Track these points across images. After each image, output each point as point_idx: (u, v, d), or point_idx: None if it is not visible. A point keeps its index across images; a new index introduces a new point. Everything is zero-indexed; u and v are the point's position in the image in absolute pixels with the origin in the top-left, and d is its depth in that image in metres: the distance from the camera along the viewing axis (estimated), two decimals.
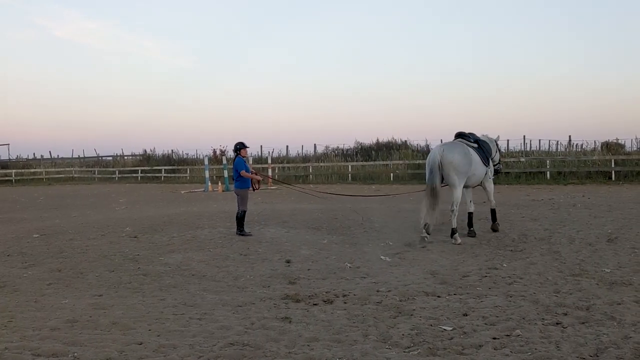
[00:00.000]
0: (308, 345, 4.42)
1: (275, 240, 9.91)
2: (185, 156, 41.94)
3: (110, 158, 47.28)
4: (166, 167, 38.83)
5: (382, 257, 8.18)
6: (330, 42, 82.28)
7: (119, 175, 39.95)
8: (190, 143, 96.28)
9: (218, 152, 35.86)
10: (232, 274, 7.32)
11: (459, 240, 9.11)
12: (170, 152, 42.69)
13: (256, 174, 11.43)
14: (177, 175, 37.52)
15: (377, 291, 6.11)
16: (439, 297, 5.83)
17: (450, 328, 4.74)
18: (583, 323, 4.77)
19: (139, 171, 39.29)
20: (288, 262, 7.98)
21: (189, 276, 7.27)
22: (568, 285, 6.15)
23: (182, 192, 25.80)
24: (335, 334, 4.70)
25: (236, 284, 6.76)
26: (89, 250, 9.42)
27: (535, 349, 4.17)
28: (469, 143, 9.96)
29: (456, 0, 78.11)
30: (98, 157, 48.04)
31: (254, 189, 11.34)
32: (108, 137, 77.95)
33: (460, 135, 10.24)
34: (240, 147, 11.09)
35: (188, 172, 36.82)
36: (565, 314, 5.04)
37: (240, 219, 10.68)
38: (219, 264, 7.99)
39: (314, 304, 5.70)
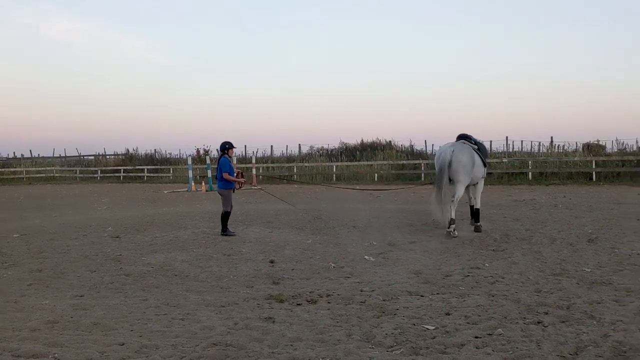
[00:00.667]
0: (291, 345, 4.41)
1: (259, 241, 9.88)
2: (168, 156, 41.50)
3: (92, 157, 46.57)
4: (149, 167, 38.44)
5: (365, 257, 8.21)
6: (315, 42, 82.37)
7: (101, 175, 39.45)
8: (173, 142, 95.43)
9: (202, 152, 35.65)
10: (216, 274, 7.28)
11: (456, 233, 9.42)
12: (153, 151, 42.22)
13: (242, 175, 11.32)
14: (160, 175, 37.17)
15: (361, 291, 6.13)
16: (422, 296, 5.87)
17: (433, 327, 4.77)
18: (563, 322, 4.83)
19: (122, 171, 38.84)
20: (272, 262, 7.96)
21: (172, 276, 7.21)
22: (549, 284, 6.23)
23: (165, 192, 25.57)
24: (319, 333, 4.70)
25: (219, 284, 6.72)
26: (70, 250, 9.30)
27: (517, 347, 4.22)
28: (471, 145, 10.25)
29: (442, 2, 78.71)
30: (80, 156, 47.30)
31: (238, 188, 11.29)
32: (90, 136, 77.00)
33: (462, 137, 10.51)
34: (228, 147, 10.95)
35: (171, 171, 36.51)
36: (546, 313, 5.10)
37: (224, 219, 10.63)
38: (202, 264, 7.94)
39: (297, 304, 5.70)
